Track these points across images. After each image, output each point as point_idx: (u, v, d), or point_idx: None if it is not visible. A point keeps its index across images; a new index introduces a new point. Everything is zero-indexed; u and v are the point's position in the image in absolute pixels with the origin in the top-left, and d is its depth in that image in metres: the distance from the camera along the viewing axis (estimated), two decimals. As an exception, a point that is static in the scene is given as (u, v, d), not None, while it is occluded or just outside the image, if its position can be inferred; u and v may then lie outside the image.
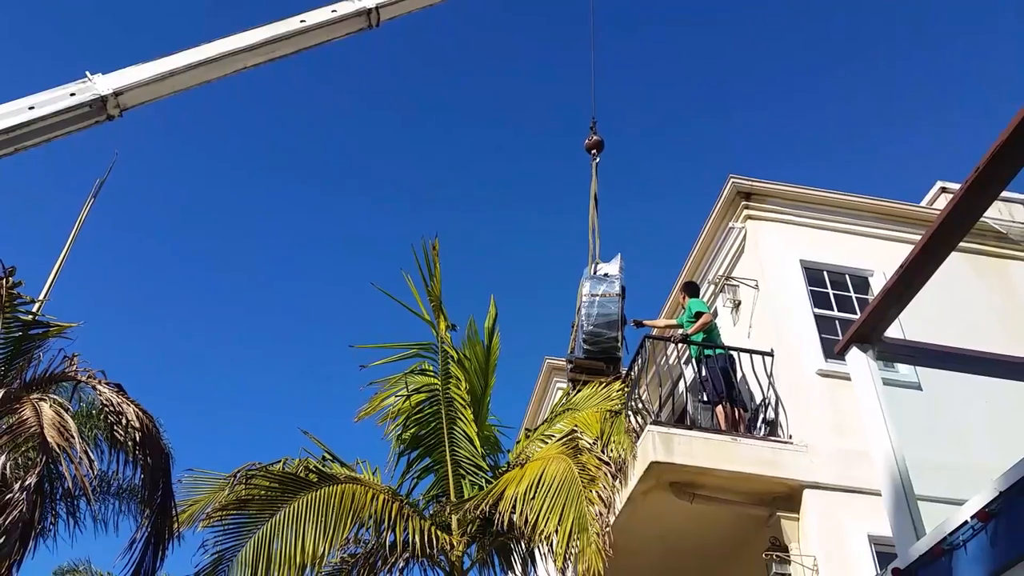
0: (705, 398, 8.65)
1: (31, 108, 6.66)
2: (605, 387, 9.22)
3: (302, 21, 8.67)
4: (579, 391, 9.28)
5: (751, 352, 8.83)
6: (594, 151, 11.30)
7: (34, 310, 7.70)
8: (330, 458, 9.00)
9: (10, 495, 5.87)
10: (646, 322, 10.22)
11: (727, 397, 8.37)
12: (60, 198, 34.99)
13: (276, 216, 40.58)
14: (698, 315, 9.03)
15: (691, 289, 9.68)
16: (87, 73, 7.17)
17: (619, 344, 9.62)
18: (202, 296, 41.26)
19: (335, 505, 7.75)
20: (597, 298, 9.64)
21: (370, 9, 9.15)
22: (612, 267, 10.06)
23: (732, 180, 9.92)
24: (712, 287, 10.28)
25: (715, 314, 9.19)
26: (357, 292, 43.95)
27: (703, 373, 8.73)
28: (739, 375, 8.73)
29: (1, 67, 30.47)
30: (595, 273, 10.01)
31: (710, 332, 8.96)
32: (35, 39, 33.52)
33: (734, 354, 8.84)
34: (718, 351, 8.79)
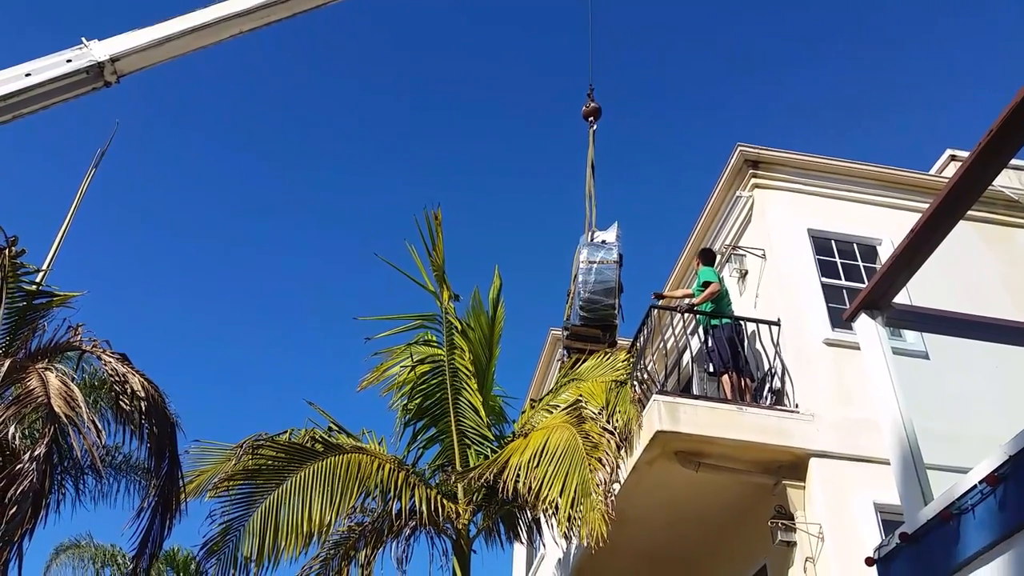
0: (711, 368, 8.62)
1: (28, 75, 6.63)
2: (610, 357, 9.21)
3: None
4: (583, 361, 9.25)
5: (758, 321, 8.80)
6: (591, 118, 11.21)
7: (38, 279, 7.70)
8: (336, 429, 9.03)
9: (20, 465, 5.89)
10: (665, 293, 10.14)
11: (733, 367, 8.34)
12: (62, 168, 34.93)
13: (279, 187, 40.50)
14: (706, 285, 8.98)
15: (706, 257, 9.54)
16: (83, 39, 7.12)
17: (616, 312, 9.56)
18: (205, 268, 41.33)
19: (341, 474, 7.79)
20: (595, 265, 9.55)
21: None
22: (609, 234, 9.98)
23: (740, 148, 9.82)
24: (719, 256, 10.22)
25: (722, 283, 9.11)
26: (361, 264, 43.95)
27: (710, 343, 8.69)
28: (746, 345, 8.69)
29: None
30: (592, 240, 9.93)
31: (719, 301, 8.89)
32: (30, 6, 33.26)
33: (741, 324, 8.80)
34: (724, 321, 8.74)
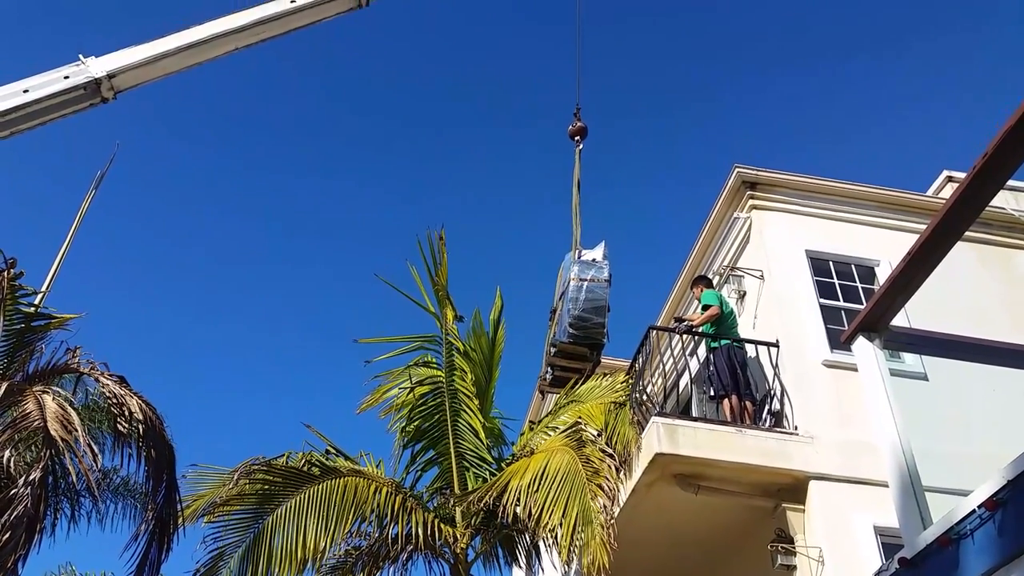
0: (712, 392, 8.58)
1: (25, 91, 6.69)
2: (609, 378, 9.18)
3: (292, 1, 8.68)
4: (580, 383, 9.22)
5: (756, 343, 8.79)
6: (577, 137, 11.26)
7: (36, 302, 7.70)
8: (334, 451, 9.00)
9: (15, 490, 5.85)
10: (686, 317, 10.06)
11: (734, 390, 8.31)
12: (62, 189, 35.01)
13: (278, 208, 40.59)
14: (706, 307, 8.97)
15: (705, 282, 9.52)
16: (80, 56, 7.19)
17: (604, 331, 9.50)
18: (205, 288, 41.32)
19: (337, 499, 7.74)
20: (586, 283, 9.49)
21: None
22: (596, 253, 9.93)
23: (737, 169, 9.86)
24: (717, 277, 10.23)
25: (724, 305, 9.07)
26: (360, 284, 43.94)
27: (710, 367, 8.66)
28: (747, 368, 8.66)
29: None
30: (580, 258, 9.89)
31: (720, 324, 8.86)
32: (28, 23, 33.50)
33: (743, 346, 8.77)
34: (723, 343, 8.72)
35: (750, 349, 8.87)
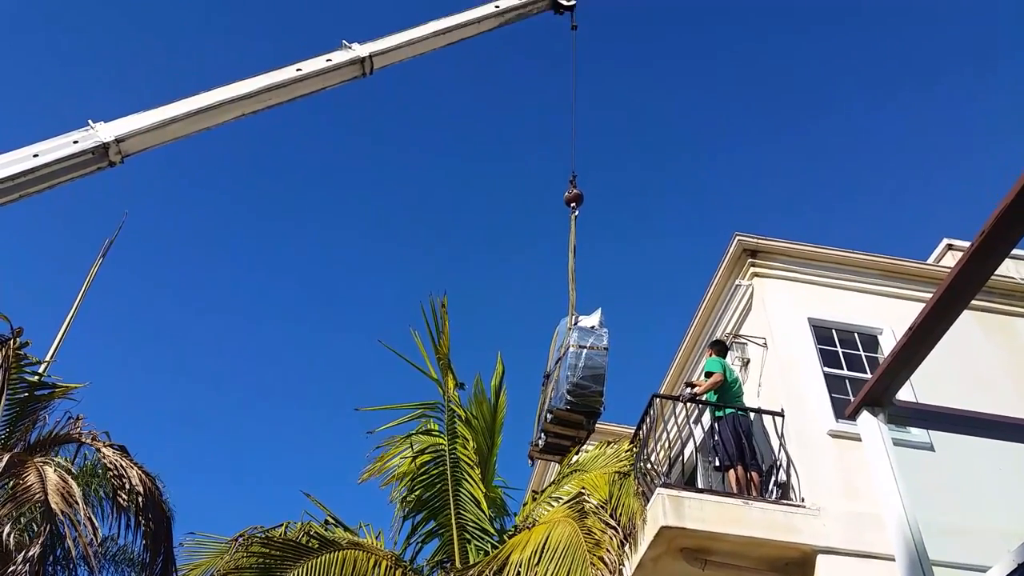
0: (717, 463, 8.49)
1: (35, 156, 6.80)
2: (613, 447, 9.10)
3: (298, 70, 8.88)
4: (576, 451, 9.13)
5: (761, 412, 8.74)
6: (573, 204, 11.38)
7: (40, 371, 7.71)
8: (333, 522, 8.88)
9: (13, 567, 5.76)
10: (695, 381, 9.99)
11: (739, 461, 8.22)
12: (71, 254, 35.29)
13: (281, 276, 40.78)
14: (709, 375, 8.94)
15: (717, 348, 9.43)
16: (89, 121, 7.34)
17: (602, 399, 9.41)
18: (208, 354, 41.22)
19: (336, 573, 7.62)
20: (585, 350, 9.42)
21: (363, 58, 9.40)
22: (593, 319, 9.90)
23: (738, 237, 9.95)
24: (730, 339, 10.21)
25: (729, 373, 9.04)
26: (362, 350, 43.84)
27: (715, 436, 8.59)
28: (752, 437, 8.59)
29: (4, 114, 31.06)
30: (577, 324, 9.86)
31: (724, 392, 8.81)
32: (36, 85, 34.23)
33: (748, 414, 8.71)
34: (728, 411, 8.67)
35: (755, 418, 8.82)
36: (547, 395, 9.89)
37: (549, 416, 9.61)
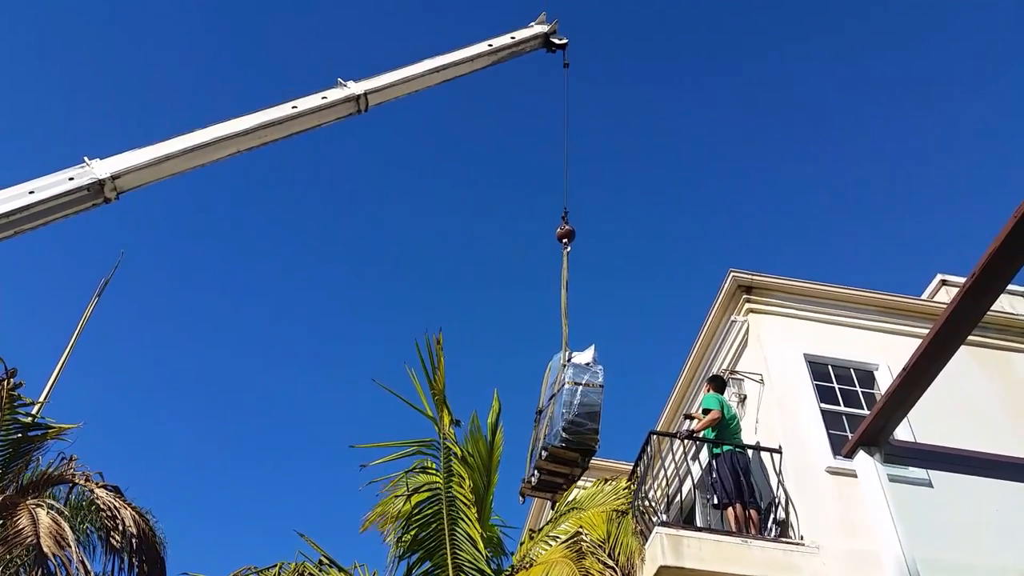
0: (716, 501, 8.43)
1: (31, 192, 6.82)
2: (611, 484, 9.05)
3: (293, 107, 8.95)
4: (564, 488, 9.05)
5: (759, 449, 8.72)
6: (565, 240, 11.41)
7: (34, 412, 7.67)
8: (327, 562, 8.78)
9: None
10: (694, 413, 9.93)
11: (738, 498, 8.18)
12: (67, 292, 35.26)
13: (274, 316, 40.74)
14: (706, 412, 8.91)
15: (715, 383, 9.39)
16: (85, 158, 7.36)
17: (597, 437, 9.31)
18: (201, 393, 40.98)
19: (332, 614, 7.52)
20: (580, 387, 9.32)
21: (358, 95, 9.48)
22: (586, 356, 9.84)
23: (732, 274, 9.99)
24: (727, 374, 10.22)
25: (726, 410, 9.01)
26: (356, 388, 43.64)
27: (713, 474, 8.55)
28: (751, 475, 8.55)
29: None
30: (571, 360, 9.80)
31: (722, 430, 8.78)
32: (32, 122, 34.45)
33: (746, 452, 8.68)
34: (726, 448, 8.63)
35: (752, 454, 8.79)
36: (540, 432, 9.78)
37: (544, 453, 9.48)
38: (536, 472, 9.53)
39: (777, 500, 8.28)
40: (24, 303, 34.41)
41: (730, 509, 8.19)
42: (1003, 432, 8.62)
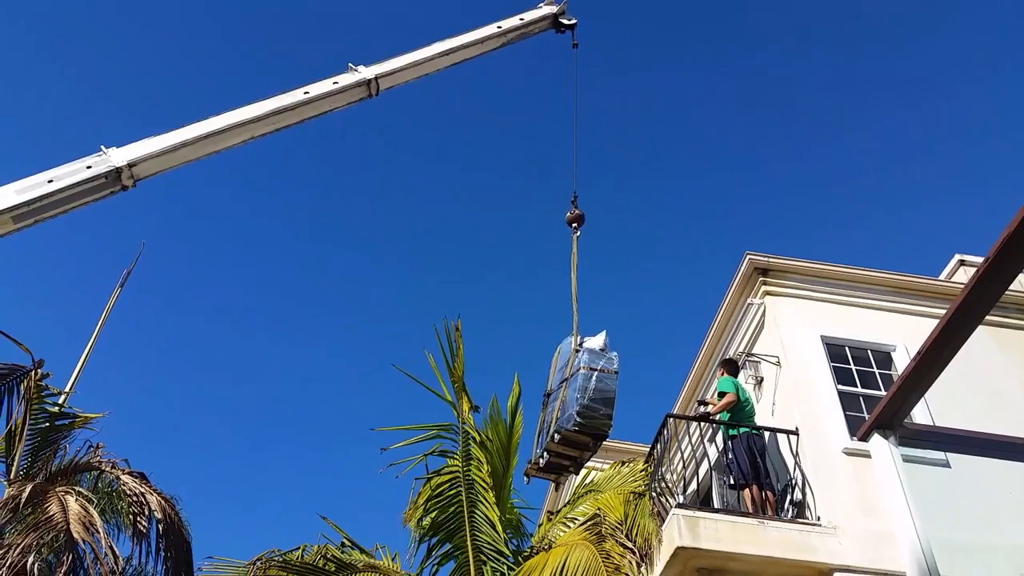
0: (732, 481, 8.48)
1: (50, 181, 6.91)
2: (628, 467, 9.12)
3: (306, 92, 9.01)
4: (572, 471, 9.13)
5: (775, 431, 8.74)
6: (575, 224, 11.41)
7: (60, 401, 7.82)
8: (349, 544, 8.95)
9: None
10: (708, 399, 9.90)
11: (754, 480, 8.22)
12: (91, 283, 35.67)
13: (295, 302, 41.00)
14: (722, 395, 8.95)
15: (728, 367, 9.42)
16: (102, 147, 7.45)
17: (610, 423, 9.34)
18: (224, 379, 41.41)
19: (354, 596, 7.67)
20: (596, 372, 9.35)
21: (369, 80, 9.52)
22: (597, 341, 9.86)
23: (749, 256, 9.98)
24: (743, 358, 10.23)
25: (741, 392, 9.04)
26: (377, 374, 43.90)
27: (729, 455, 8.60)
28: (767, 456, 8.58)
29: (17, 141, 31.53)
30: (582, 345, 9.81)
31: (737, 412, 8.81)
32: (49, 112, 34.72)
33: (761, 434, 8.71)
34: (742, 430, 8.67)
35: (770, 437, 8.82)
36: (553, 414, 9.73)
37: (557, 436, 9.49)
38: (545, 454, 9.56)
39: (794, 481, 8.31)
40: (49, 295, 34.89)
41: (747, 490, 8.24)
42: (1021, 412, 8.59)
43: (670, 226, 40.24)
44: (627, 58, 35.78)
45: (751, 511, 8.05)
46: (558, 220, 11.39)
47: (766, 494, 8.21)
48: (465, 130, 38.96)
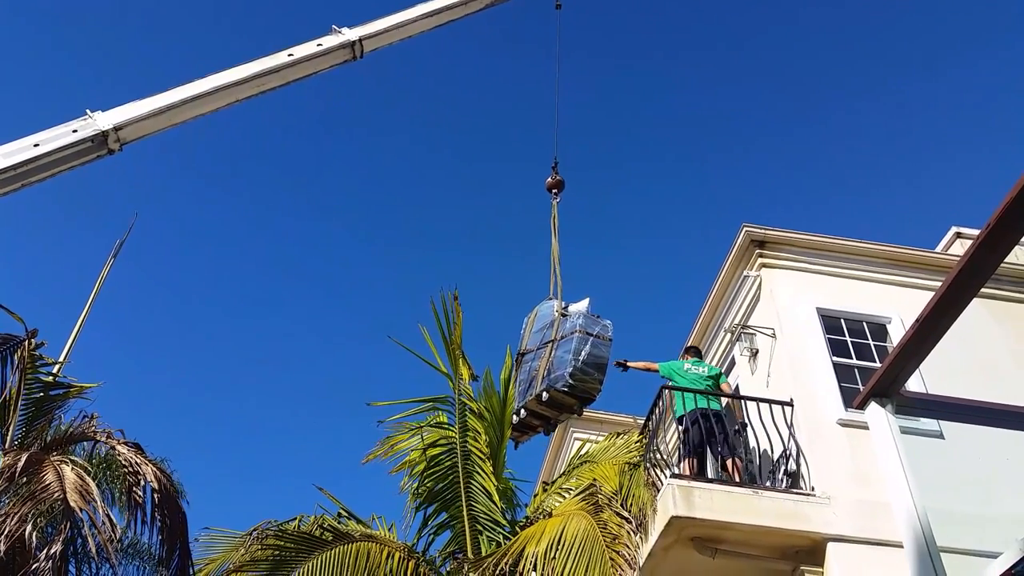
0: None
1: (36, 145, 6.85)
2: (623, 438, 9.15)
3: (290, 55, 8.94)
4: (543, 431, 9.20)
5: (770, 402, 8.76)
6: (555, 191, 11.39)
7: (55, 371, 7.79)
8: (346, 515, 8.98)
9: (36, 564, 5.86)
10: (630, 363, 9.91)
11: (701, 450, 8.39)
12: (84, 254, 35.50)
13: (291, 271, 40.91)
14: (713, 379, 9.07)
15: (689, 352, 9.73)
16: (87, 110, 7.38)
17: (600, 388, 9.34)
18: (218, 351, 41.41)
19: (350, 564, 7.72)
20: (591, 338, 9.35)
21: (353, 42, 9.44)
22: (581, 306, 9.84)
23: (745, 228, 9.95)
24: (729, 335, 10.25)
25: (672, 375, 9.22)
26: (370, 346, 43.95)
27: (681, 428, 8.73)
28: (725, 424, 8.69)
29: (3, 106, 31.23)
30: (567, 310, 9.77)
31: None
32: (34, 78, 34.38)
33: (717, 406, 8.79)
34: (688, 407, 8.71)
35: (764, 408, 8.83)
36: (533, 374, 9.57)
37: (545, 395, 9.36)
38: (522, 411, 9.47)
39: (788, 452, 8.35)
40: (42, 265, 34.72)
41: (728, 460, 8.34)
42: (1017, 384, 8.61)
43: (667, 199, 40.17)
44: (622, 29, 35.45)
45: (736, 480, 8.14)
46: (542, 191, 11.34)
47: (735, 461, 8.36)
48: (467, 102, 38.68)
